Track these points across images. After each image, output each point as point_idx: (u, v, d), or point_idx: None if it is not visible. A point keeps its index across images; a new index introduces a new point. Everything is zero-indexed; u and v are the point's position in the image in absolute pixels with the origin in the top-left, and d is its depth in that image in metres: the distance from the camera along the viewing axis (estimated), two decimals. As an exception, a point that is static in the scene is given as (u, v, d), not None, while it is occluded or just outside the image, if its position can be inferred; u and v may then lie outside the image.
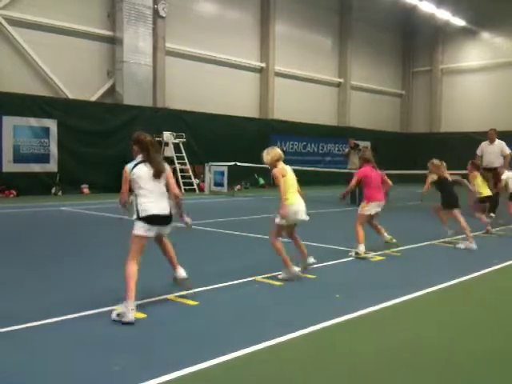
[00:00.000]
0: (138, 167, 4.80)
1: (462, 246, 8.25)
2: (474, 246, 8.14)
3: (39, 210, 12.90)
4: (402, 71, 32.60)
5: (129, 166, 4.83)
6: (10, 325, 4.22)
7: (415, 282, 6.00)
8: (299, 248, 6.35)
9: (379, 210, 7.74)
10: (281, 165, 6.16)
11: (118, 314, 4.42)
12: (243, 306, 5.03)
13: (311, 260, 6.37)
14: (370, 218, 7.77)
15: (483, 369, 3.70)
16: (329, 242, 8.46)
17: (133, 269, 4.66)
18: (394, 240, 7.77)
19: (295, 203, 6.07)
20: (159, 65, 20.22)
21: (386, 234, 7.79)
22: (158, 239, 5.09)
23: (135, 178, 4.77)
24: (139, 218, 4.74)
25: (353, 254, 7.41)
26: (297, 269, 6.02)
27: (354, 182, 7.78)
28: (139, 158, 4.86)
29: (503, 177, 10.99)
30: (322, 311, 4.81)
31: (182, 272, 5.18)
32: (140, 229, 4.73)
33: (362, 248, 7.37)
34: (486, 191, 9.91)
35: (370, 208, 7.62)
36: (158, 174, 4.82)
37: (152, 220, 4.75)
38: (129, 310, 4.39)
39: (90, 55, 18.66)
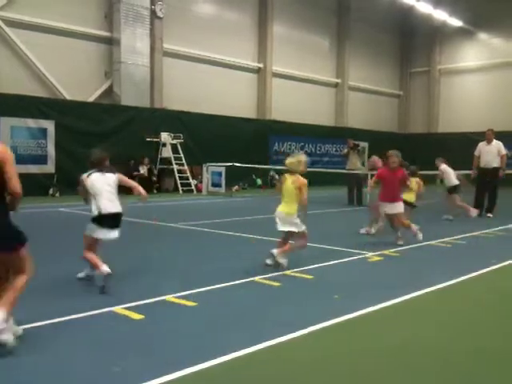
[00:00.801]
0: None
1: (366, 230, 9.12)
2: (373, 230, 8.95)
3: (37, 211, 12.87)
4: (400, 72, 32.64)
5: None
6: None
7: (413, 282, 6.01)
8: (282, 246, 6.49)
9: (387, 211, 8.28)
10: (288, 174, 6.48)
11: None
12: (242, 306, 5.03)
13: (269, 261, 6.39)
14: (388, 218, 8.43)
15: (482, 368, 3.70)
16: (327, 242, 8.45)
17: None
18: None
19: (278, 211, 6.44)
20: (157, 65, 20.21)
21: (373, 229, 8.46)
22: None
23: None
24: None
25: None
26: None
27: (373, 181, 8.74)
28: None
29: (441, 168, 11.45)
30: (321, 311, 4.80)
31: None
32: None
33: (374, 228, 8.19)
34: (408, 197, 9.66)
35: (382, 208, 8.35)
36: None
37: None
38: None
39: (88, 56, 18.64)
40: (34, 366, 3.54)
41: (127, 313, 4.62)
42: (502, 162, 12.60)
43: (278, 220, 6.41)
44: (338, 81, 28.51)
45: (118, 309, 4.71)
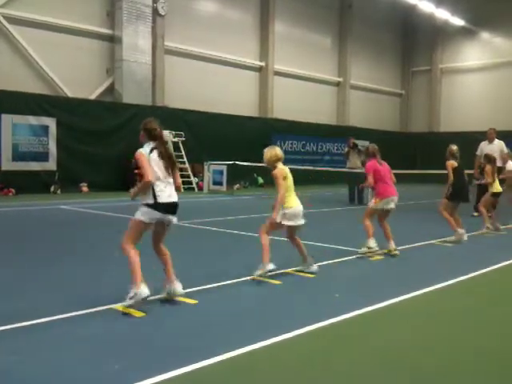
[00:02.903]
0: (154, 153, 4.82)
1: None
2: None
3: (39, 208, 12.88)
4: (402, 71, 32.61)
5: (144, 150, 4.84)
6: (7, 324, 4.21)
7: (413, 281, 6.01)
8: (300, 251, 6.27)
9: (393, 206, 7.50)
10: (280, 165, 6.11)
11: (131, 297, 4.59)
12: (242, 305, 5.03)
13: (314, 268, 6.22)
14: (383, 215, 7.55)
15: (481, 368, 3.70)
16: (327, 241, 8.46)
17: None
18: (397, 252, 7.50)
19: (295, 206, 6.05)
20: (158, 63, 20.21)
21: (392, 243, 7.50)
22: (156, 244, 5.03)
23: (152, 163, 4.77)
24: (151, 204, 4.74)
25: (364, 249, 7.27)
26: (271, 266, 5.87)
27: (370, 179, 7.41)
28: (151, 144, 4.87)
29: None
30: (321, 310, 4.81)
31: (179, 287, 4.99)
32: (145, 215, 4.76)
33: (372, 243, 7.24)
34: None
35: (383, 204, 7.39)
36: (167, 168, 4.86)
37: (163, 207, 4.78)
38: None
39: (90, 53, 18.64)
40: (31, 364, 3.54)
41: (128, 310, 4.62)
42: (504, 162, 12.56)
43: (300, 215, 6.10)
44: (340, 79, 28.48)
45: (119, 306, 4.71)
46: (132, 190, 4.93)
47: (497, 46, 28.57)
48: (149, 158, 4.79)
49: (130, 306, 4.59)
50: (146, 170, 4.72)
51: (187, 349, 3.83)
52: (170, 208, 4.85)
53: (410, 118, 32.81)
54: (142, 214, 4.77)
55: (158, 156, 4.83)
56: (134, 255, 4.73)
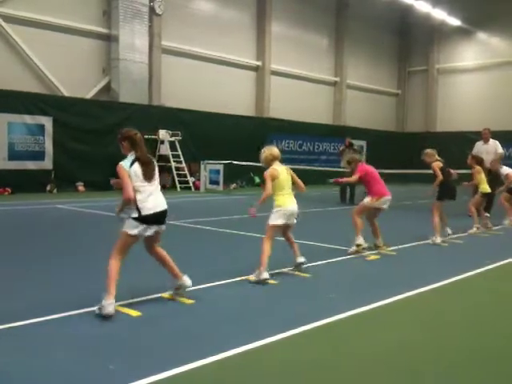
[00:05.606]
0: (135, 164, 4.70)
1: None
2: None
3: (34, 207, 12.85)
4: (398, 70, 32.63)
5: (125, 164, 4.71)
6: (2, 324, 4.20)
7: (409, 281, 6.02)
8: (292, 247, 6.33)
9: (386, 207, 7.66)
10: (275, 165, 6.12)
11: (100, 308, 4.47)
12: (237, 304, 5.04)
13: (301, 259, 6.25)
14: (375, 214, 7.72)
15: (477, 368, 3.71)
16: (323, 240, 8.47)
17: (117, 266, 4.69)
18: (385, 247, 7.70)
19: (286, 206, 6.06)
20: (155, 62, 20.18)
21: (380, 240, 7.70)
22: (150, 248, 5.01)
23: (133, 176, 4.67)
24: (137, 218, 4.66)
25: (353, 248, 7.36)
26: (267, 275, 5.77)
27: (354, 178, 7.58)
28: (133, 155, 4.76)
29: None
30: (316, 310, 4.81)
31: (187, 280, 5.08)
32: (133, 228, 4.67)
33: (360, 240, 7.35)
34: None
35: (379, 203, 7.53)
36: (150, 174, 4.78)
37: (150, 219, 4.70)
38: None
39: (86, 52, 18.59)
40: (28, 364, 3.54)
41: (124, 310, 4.62)
42: (498, 161, 12.57)
43: (290, 215, 6.11)
44: (337, 79, 28.49)
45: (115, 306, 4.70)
46: (117, 208, 4.79)
47: (493, 46, 28.62)
48: (129, 171, 4.68)
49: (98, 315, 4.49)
50: (125, 186, 4.62)
51: (184, 349, 3.82)
52: (157, 218, 4.78)
53: (407, 118, 32.84)
54: (128, 227, 4.69)
55: (139, 165, 4.71)
56: (113, 269, 4.64)
